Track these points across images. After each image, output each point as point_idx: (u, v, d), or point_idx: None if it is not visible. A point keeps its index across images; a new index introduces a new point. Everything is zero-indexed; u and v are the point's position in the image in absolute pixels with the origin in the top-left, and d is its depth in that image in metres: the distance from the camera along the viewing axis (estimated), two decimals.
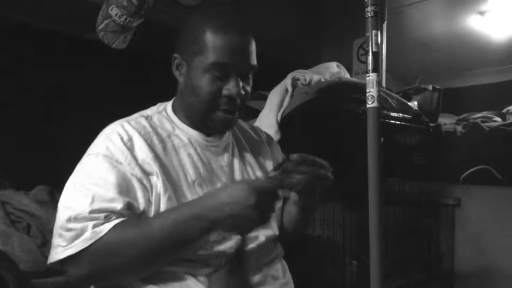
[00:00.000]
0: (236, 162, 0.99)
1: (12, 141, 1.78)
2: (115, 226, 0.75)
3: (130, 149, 0.84)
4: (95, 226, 0.75)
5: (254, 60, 0.91)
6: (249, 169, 1.00)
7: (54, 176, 1.74)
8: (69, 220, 0.76)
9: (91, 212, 0.75)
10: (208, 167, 0.92)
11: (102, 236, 0.74)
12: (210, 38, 0.86)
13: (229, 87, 0.87)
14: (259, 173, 1.02)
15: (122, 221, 0.76)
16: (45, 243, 1.50)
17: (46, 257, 1.46)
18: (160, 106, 0.99)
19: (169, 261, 0.80)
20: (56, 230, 0.79)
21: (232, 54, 0.86)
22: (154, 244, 0.75)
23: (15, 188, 1.64)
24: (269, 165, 1.07)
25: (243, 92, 0.89)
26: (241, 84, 0.88)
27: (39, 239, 1.50)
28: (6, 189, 1.62)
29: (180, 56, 0.91)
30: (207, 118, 0.91)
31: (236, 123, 1.00)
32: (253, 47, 0.90)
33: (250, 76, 0.93)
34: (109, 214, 0.76)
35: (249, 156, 1.03)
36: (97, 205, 0.76)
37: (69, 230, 0.75)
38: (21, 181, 1.67)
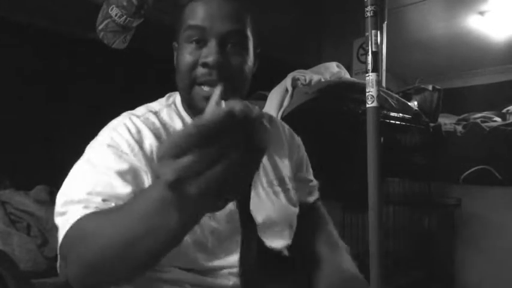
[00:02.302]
0: None
1: (12, 141, 1.78)
2: (95, 212, 0.62)
3: (139, 141, 0.76)
4: (85, 208, 0.64)
5: (238, 23, 0.78)
6: (261, 171, 0.89)
7: (54, 176, 1.74)
8: (64, 204, 0.67)
9: (88, 193, 0.66)
10: None
11: (78, 220, 0.62)
12: (189, 7, 0.80)
13: (204, 54, 0.76)
14: (272, 175, 0.90)
15: (106, 209, 0.63)
16: (45, 243, 1.50)
17: (46, 257, 1.47)
18: (169, 98, 0.91)
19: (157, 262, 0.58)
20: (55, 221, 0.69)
21: (207, 17, 0.77)
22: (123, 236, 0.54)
23: (15, 188, 1.64)
24: (285, 166, 0.94)
25: (222, 59, 0.76)
26: (217, 49, 0.76)
27: (39, 239, 1.50)
28: (6, 189, 1.63)
29: (175, 42, 0.86)
30: (189, 97, 0.80)
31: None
32: (236, 10, 0.79)
33: (239, 42, 0.79)
34: (108, 198, 0.66)
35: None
36: (98, 189, 0.66)
37: (62, 214, 0.66)
38: (21, 181, 1.67)
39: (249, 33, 0.80)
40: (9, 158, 1.73)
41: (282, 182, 0.92)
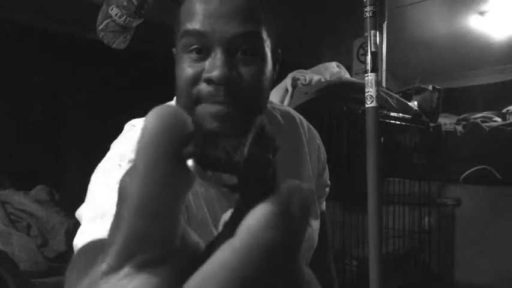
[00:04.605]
0: None
1: (12, 142, 1.78)
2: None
3: None
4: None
5: (248, 23, 0.60)
6: None
7: (54, 176, 1.75)
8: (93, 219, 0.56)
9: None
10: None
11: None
12: (185, 5, 0.63)
13: (208, 67, 0.60)
14: None
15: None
16: (45, 243, 1.51)
17: (46, 257, 1.48)
18: None
19: None
20: None
21: (208, 18, 0.59)
22: None
23: (15, 188, 1.64)
24: (307, 176, 0.79)
25: (230, 73, 0.59)
26: (224, 60, 0.59)
27: (39, 239, 1.50)
28: (6, 189, 1.63)
29: (174, 48, 0.69)
30: (192, 117, 0.51)
31: (240, 122, 0.62)
32: (245, 5, 0.61)
33: (252, 47, 0.61)
34: None
35: (281, 168, 0.70)
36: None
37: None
38: (21, 181, 1.68)
39: (264, 33, 0.63)
40: (9, 158, 1.73)
41: None
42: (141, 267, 0.16)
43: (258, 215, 0.16)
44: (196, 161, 0.17)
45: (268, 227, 0.16)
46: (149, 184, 0.16)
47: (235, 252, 0.15)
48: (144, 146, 0.16)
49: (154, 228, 0.17)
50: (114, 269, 0.17)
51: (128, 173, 0.17)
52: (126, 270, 0.16)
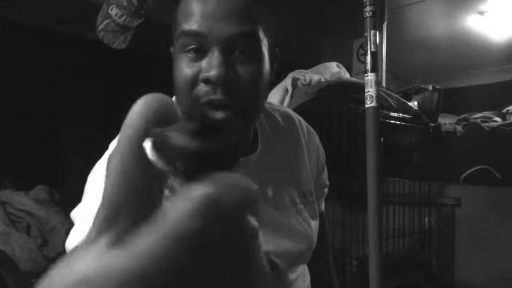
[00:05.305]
0: (269, 186, 0.72)
1: (12, 142, 1.78)
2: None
3: None
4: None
5: (245, 23, 0.61)
6: (283, 192, 0.75)
7: (54, 176, 1.75)
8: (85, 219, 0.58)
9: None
10: None
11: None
12: (182, 5, 0.64)
13: (205, 67, 0.60)
14: (294, 193, 0.76)
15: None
16: (45, 243, 1.51)
17: (46, 257, 1.48)
18: None
19: None
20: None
21: (204, 18, 0.60)
22: None
23: (15, 188, 1.64)
24: (305, 177, 0.80)
25: (227, 73, 0.59)
26: (221, 60, 0.59)
27: (39, 239, 1.50)
28: (6, 189, 1.63)
29: (172, 47, 0.69)
30: (192, 120, 0.58)
31: (239, 126, 0.64)
32: (242, 4, 0.61)
33: (249, 47, 0.62)
34: None
35: (280, 168, 0.75)
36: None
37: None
38: (21, 181, 1.68)
39: (261, 33, 0.63)
40: (9, 158, 1.73)
41: (303, 196, 0.80)
42: (116, 239, 0.17)
43: (180, 202, 0.16)
44: (153, 143, 0.17)
45: (189, 216, 0.16)
46: (122, 161, 0.18)
47: (154, 238, 0.16)
48: (124, 125, 0.18)
49: (129, 201, 0.18)
50: (92, 240, 0.18)
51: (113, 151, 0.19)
52: (102, 241, 0.17)
